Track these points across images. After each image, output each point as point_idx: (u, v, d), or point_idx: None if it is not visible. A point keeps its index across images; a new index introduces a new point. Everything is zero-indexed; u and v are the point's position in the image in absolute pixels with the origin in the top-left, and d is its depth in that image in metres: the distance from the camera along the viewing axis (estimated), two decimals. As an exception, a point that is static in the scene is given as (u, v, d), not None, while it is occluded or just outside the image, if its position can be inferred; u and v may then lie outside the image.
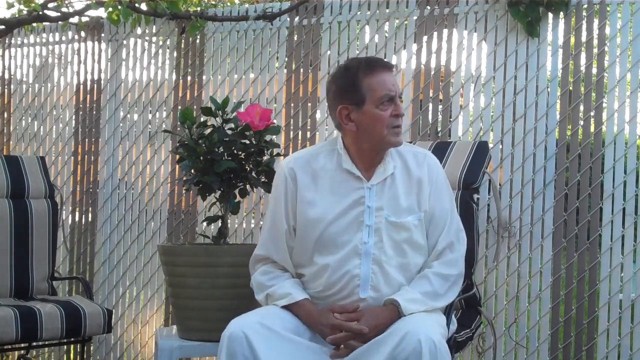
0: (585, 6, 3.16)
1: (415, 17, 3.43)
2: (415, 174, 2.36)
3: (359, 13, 3.54)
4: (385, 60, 2.41)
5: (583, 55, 3.16)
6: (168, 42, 3.97)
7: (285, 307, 2.29)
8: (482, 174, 2.91)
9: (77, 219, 4.13)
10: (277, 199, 2.40)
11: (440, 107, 3.39)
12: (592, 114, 3.15)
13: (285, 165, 2.41)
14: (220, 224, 2.99)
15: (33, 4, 3.93)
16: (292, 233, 2.37)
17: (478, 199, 2.94)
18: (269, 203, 2.47)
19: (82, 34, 4.11)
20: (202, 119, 3.03)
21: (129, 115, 4.01)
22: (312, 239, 2.32)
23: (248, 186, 2.99)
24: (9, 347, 3.22)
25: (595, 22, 3.15)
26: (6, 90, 4.36)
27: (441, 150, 2.99)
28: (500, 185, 3.22)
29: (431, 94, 3.41)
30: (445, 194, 2.41)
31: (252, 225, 3.73)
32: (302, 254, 2.36)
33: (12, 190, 3.51)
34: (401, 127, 2.31)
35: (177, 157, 3.00)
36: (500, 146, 3.28)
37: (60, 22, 4.05)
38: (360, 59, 2.36)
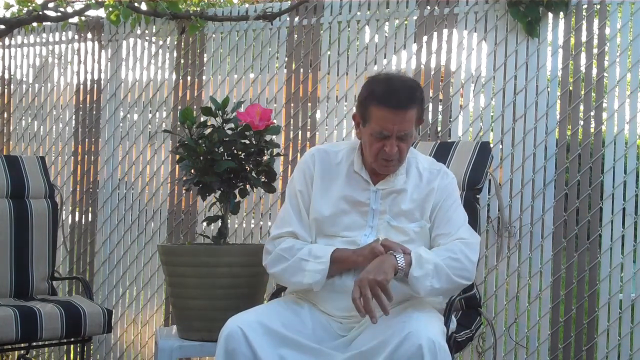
0: (585, 6, 3.16)
1: (415, 17, 3.43)
2: (426, 185, 2.40)
3: (359, 13, 3.54)
4: (403, 97, 2.25)
5: (583, 56, 3.16)
6: (168, 42, 3.97)
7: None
8: (485, 174, 2.92)
9: (77, 219, 4.13)
10: (298, 179, 2.46)
11: (440, 107, 3.40)
12: (592, 114, 3.15)
13: (309, 153, 2.49)
14: (220, 224, 2.99)
15: (32, 4, 3.93)
16: (308, 212, 2.43)
17: (478, 198, 2.94)
18: (289, 185, 2.51)
19: (82, 34, 4.11)
20: (202, 119, 3.03)
21: (129, 115, 4.01)
22: (317, 227, 2.40)
23: (248, 186, 2.99)
24: (9, 347, 3.21)
25: (595, 22, 3.15)
26: (6, 90, 4.36)
27: (444, 150, 2.99)
28: (500, 185, 3.22)
29: (431, 94, 3.41)
30: (453, 205, 2.41)
31: (252, 225, 3.73)
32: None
33: (12, 190, 3.51)
34: (392, 162, 2.32)
35: (177, 157, 3.00)
36: (500, 146, 3.28)
37: (60, 22, 4.05)
38: (384, 81, 2.28)
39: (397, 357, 2.02)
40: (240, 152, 2.91)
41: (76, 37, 4.15)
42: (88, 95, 4.12)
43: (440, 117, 3.42)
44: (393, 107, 2.24)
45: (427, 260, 2.20)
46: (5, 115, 4.36)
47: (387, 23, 3.49)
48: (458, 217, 2.39)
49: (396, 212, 2.37)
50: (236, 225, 3.73)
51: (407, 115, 2.26)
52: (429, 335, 2.03)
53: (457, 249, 2.28)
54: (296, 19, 3.66)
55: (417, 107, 2.28)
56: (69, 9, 3.99)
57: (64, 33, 4.19)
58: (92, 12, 4.01)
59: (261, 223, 3.71)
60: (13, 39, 4.33)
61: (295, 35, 3.66)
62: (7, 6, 4.09)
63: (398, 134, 2.26)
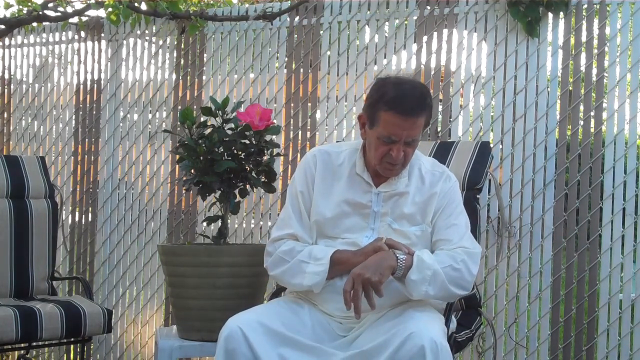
0: (585, 6, 3.16)
1: (415, 17, 3.43)
2: (429, 189, 2.39)
3: (358, 13, 3.54)
4: (415, 104, 2.25)
5: (583, 56, 3.16)
6: (168, 42, 3.97)
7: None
8: (485, 174, 2.92)
9: (77, 219, 4.13)
10: (299, 180, 2.45)
11: (440, 107, 3.40)
12: (592, 114, 3.15)
13: (310, 153, 2.47)
14: (220, 224, 2.99)
15: (32, 4, 3.93)
16: (309, 214, 2.42)
17: (478, 198, 2.94)
18: (290, 186, 2.50)
19: (82, 34, 4.11)
20: (202, 119, 3.03)
21: (129, 115, 4.01)
22: (318, 229, 2.40)
23: (248, 186, 2.99)
24: (9, 347, 3.21)
25: (595, 22, 3.15)
26: (6, 90, 4.36)
27: (444, 150, 2.99)
28: (500, 185, 3.22)
29: (431, 94, 3.40)
30: (455, 210, 2.40)
31: (252, 225, 3.73)
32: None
33: (12, 190, 3.51)
34: (396, 166, 2.31)
35: (177, 157, 3.00)
36: (500, 146, 3.28)
37: (60, 22, 4.05)
38: (395, 86, 2.26)
39: (399, 357, 2.02)
40: (240, 152, 2.91)
41: (76, 37, 4.15)
42: (88, 95, 4.12)
43: (440, 117, 3.42)
44: (403, 114, 2.23)
45: (428, 266, 2.20)
46: (5, 115, 4.36)
47: (387, 23, 3.49)
48: (460, 224, 2.38)
49: (398, 215, 2.36)
50: (236, 225, 3.73)
51: (417, 122, 2.25)
52: (431, 335, 2.03)
53: (459, 258, 2.27)
54: (296, 19, 3.66)
55: (427, 114, 2.28)
56: (69, 9, 3.99)
57: (64, 33, 4.19)
58: (92, 12, 4.01)
59: (261, 223, 3.70)
60: (13, 39, 4.33)
61: (295, 35, 3.66)
62: (7, 6, 4.10)
63: (406, 140, 2.26)
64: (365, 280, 2.12)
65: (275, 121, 3.10)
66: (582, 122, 3.15)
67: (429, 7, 3.39)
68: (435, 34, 3.39)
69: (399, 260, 2.18)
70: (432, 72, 3.39)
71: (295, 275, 2.33)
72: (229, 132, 2.90)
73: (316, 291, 2.30)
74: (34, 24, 4.05)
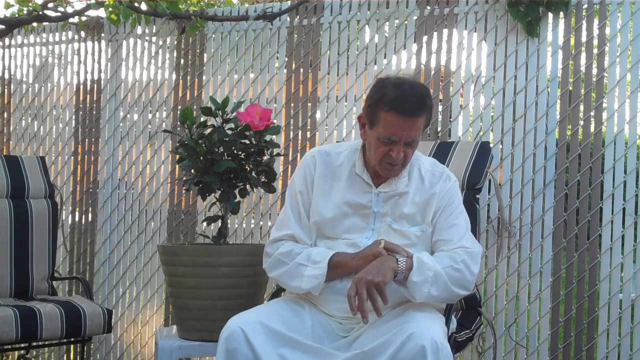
0: (585, 6, 3.17)
1: (415, 17, 3.44)
2: (428, 189, 2.39)
3: (359, 13, 3.54)
4: (415, 104, 2.24)
5: (583, 56, 3.16)
6: (168, 42, 3.97)
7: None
8: (485, 174, 2.92)
9: (77, 219, 4.13)
10: (298, 180, 2.45)
11: (440, 107, 3.40)
12: (592, 114, 3.15)
13: (309, 154, 2.47)
14: (220, 224, 2.99)
15: (32, 4, 3.93)
16: (308, 214, 2.42)
17: (478, 198, 2.94)
18: (289, 187, 2.50)
19: (82, 34, 4.11)
20: (202, 119, 3.03)
21: (129, 115, 4.02)
22: (317, 230, 2.40)
23: (248, 186, 2.99)
24: (9, 347, 3.21)
25: (595, 22, 3.15)
26: (6, 90, 4.36)
27: (444, 150, 2.99)
28: (500, 185, 3.22)
29: (431, 95, 3.40)
30: (456, 210, 2.40)
31: (252, 225, 3.73)
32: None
33: (12, 190, 3.51)
34: (396, 166, 2.30)
35: (177, 157, 3.00)
36: (500, 146, 3.28)
37: (60, 22, 4.05)
38: (395, 87, 2.25)
39: (399, 357, 2.02)
40: (240, 152, 2.91)
41: (76, 37, 4.15)
42: (88, 95, 4.12)
43: (440, 117, 3.42)
44: (404, 114, 2.23)
45: (428, 267, 2.20)
46: (5, 115, 4.36)
47: (387, 23, 3.50)
48: (460, 224, 2.38)
49: (398, 215, 2.36)
50: (236, 225, 3.73)
51: (417, 123, 2.25)
52: (432, 336, 2.03)
53: (459, 258, 2.26)
54: (296, 19, 3.66)
55: (427, 114, 2.28)
56: (69, 9, 3.99)
57: (64, 33, 4.19)
58: (92, 12, 4.01)
59: (261, 223, 3.71)
60: (13, 39, 4.33)
61: (295, 35, 3.66)
62: (8, 6, 4.09)
63: (406, 140, 2.26)
64: (368, 282, 2.11)
65: (275, 121, 3.10)
66: (582, 122, 3.15)
67: (429, 7, 3.39)
68: (435, 34, 3.39)
69: (399, 262, 2.18)
70: (432, 72, 3.39)
71: (293, 278, 2.33)
72: (229, 132, 2.90)
73: (315, 294, 2.30)
74: (34, 24, 4.05)
